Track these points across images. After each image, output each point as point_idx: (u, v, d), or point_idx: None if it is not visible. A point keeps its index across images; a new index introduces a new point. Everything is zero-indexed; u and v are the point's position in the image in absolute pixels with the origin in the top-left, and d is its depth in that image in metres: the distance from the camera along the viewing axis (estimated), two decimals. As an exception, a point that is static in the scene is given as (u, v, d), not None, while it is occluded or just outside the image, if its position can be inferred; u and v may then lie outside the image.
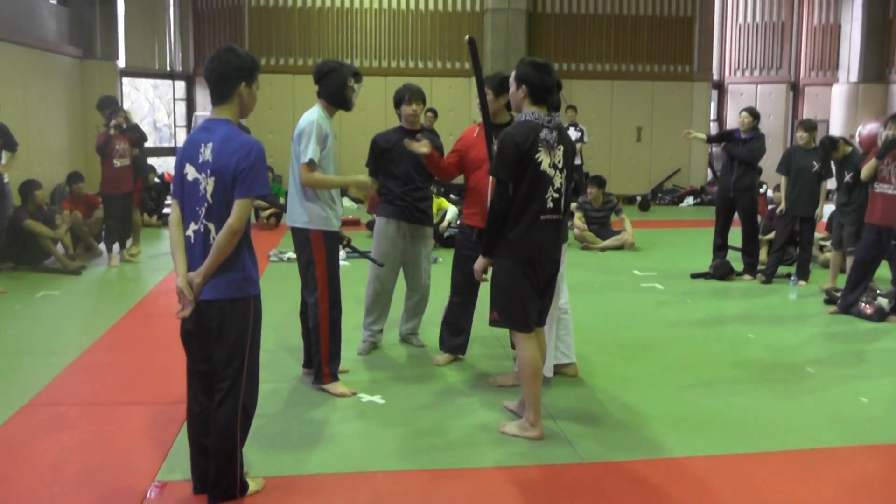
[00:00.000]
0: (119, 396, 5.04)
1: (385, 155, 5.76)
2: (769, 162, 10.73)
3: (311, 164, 4.81)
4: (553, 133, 4.23)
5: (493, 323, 4.48)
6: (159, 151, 16.59)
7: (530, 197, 4.20)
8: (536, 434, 4.35)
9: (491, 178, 4.40)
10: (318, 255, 4.92)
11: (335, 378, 5.07)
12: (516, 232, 4.23)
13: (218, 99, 3.44)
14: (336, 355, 5.08)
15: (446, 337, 5.71)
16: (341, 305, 5.08)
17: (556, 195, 4.27)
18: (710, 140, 9.79)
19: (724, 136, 9.24)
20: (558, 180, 4.27)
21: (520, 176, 4.18)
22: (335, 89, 4.96)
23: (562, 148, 4.28)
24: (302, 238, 4.97)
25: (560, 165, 4.27)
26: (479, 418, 4.68)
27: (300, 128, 4.89)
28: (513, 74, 4.36)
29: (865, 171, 7.15)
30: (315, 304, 4.97)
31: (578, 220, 10.88)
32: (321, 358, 5.00)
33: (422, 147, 5.17)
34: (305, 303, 5.14)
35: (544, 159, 4.19)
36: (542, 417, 4.41)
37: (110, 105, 9.61)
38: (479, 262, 4.44)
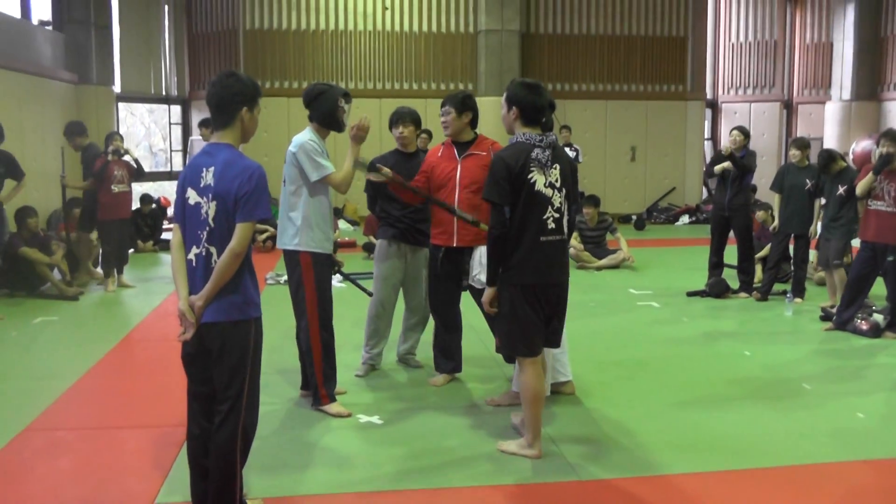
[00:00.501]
0: (117, 420, 5.04)
1: None
2: (763, 180, 10.77)
3: (328, 176, 4.88)
4: (546, 152, 4.18)
5: (498, 350, 4.47)
6: (155, 176, 16.60)
7: (527, 219, 4.16)
8: (534, 453, 4.35)
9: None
10: (308, 277, 4.93)
11: (332, 399, 5.07)
12: (517, 256, 4.17)
13: (219, 124, 3.47)
14: (331, 376, 5.09)
15: (440, 360, 5.73)
16: (333, 328, 5.09)
17: (556, 215, 4.21)
18: (710, 174, 9.32)
19: (718, 159, 9.10)
20: (557, 200, 4.22)
21: (514, 198, 4.15)
22: (326, 111, 4.99)
23: (557, 167, 4.22)
24: (292, 260, 4.98)
25: (558, 184, 4.22)
26: (477, 438, 4.69)
27: (292, 151, 4.92)
28: (504, 96, 4.34)
29: (861, 187, 7.19)
30: (306, 327, 4.98)
31: (574, 240, 10.90)
32: (316, 381, 5.01)
33: (381, 175, 5.22)
34: (298, 325, 5.15)
35: (538, 179, 4.15)
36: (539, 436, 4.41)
37: (76, 131, 9.52)
38: (487, 294, 4.34)
